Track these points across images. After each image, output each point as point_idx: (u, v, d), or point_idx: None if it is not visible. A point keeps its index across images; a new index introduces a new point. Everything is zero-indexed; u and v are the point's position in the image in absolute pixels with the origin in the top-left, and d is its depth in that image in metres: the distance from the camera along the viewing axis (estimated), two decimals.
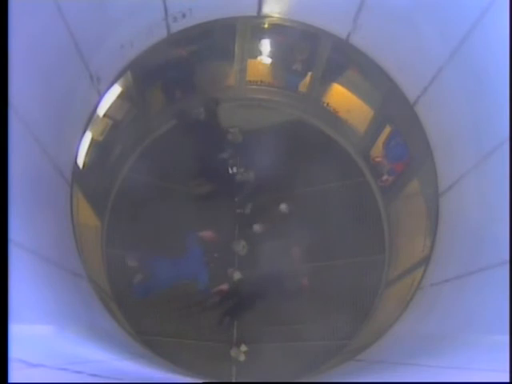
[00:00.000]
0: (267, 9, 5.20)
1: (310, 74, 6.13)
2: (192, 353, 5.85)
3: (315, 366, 5.55)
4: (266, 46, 6.03)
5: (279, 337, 5.99)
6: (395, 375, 3.41)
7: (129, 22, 4.49)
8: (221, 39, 5.72)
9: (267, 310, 6.04)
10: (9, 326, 2.03)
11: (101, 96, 4.93)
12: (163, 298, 5.98)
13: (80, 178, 4.76)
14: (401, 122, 5.45)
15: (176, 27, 5.08)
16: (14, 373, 1.82)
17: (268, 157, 6.06)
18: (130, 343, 4.92)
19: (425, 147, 4.90)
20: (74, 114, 4.52)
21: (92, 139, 5.10)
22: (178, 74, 6.02)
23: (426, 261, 4.85)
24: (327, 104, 6.34)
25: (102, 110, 5.15)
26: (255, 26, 5.58)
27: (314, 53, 5.73)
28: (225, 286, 6.16)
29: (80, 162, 4.85)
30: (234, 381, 5.89)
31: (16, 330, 2.10)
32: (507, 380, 2.07)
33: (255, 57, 6.14)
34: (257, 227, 6.34)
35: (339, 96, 6.14)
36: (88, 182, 5.08)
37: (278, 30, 5.58)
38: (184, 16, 4.96)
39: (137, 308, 5.80)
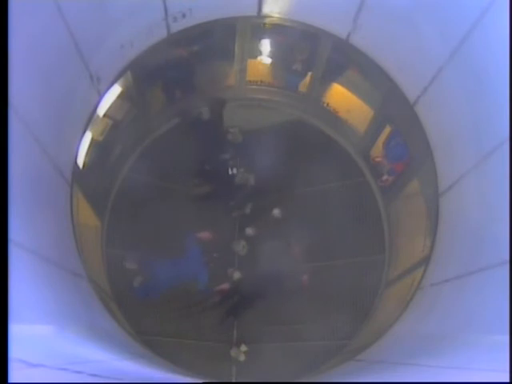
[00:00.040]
0: (267, 9, 5.20)
1: (310, 74, 6.13)
2: (192, 353, 5.84)
3: (315, 366, 5.55)
4: (266, 46, 6.03)
5: (279, 337, 5.99)
6: (395, 375, 3.41)
7: (129, 21, 4.49)
8: (221, 39, 5.72)
9: (267, 310, 6.03)
10: (9, 326, 2.03)
11: (101, 96, 4.93)
12: (163, 298, 5.98)
13: (80, 178, 4.76)
14: (401, 122, 5.45)
15: (176, 27, 5.08)
16: (14, 373, 1.82)
17: (268, 157, 6.06)
18: (130, 343, 4.92)
19: (425, 147, 4.89)
20: (73, 114, 4.52)
21: (92, 139, 5.10)
22: (178, 74, 6.02)
23: (425, 261, 4.85)
24: (327, 104, 6.34)
25: (102, 110, 5.15)
26: (255, 26, 5.58)
27: (314, 53, 5.73)
28: (226, 286, 6.16)
29: (80, 162, 4.85)
30: (234, 381, 5.89)
31: (16, 330, 2.10)
32: (507, 380, 2.07)
33: (255, 57, 6.13)
34: (249, 230, 6.34)
35: (339, 96, 6.14)
36: (88, 182, 5.08)
37: (277, 30, 5.58)
38: (184, 16, 4.96)
39: (137, 308, 5.80)
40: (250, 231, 6.37)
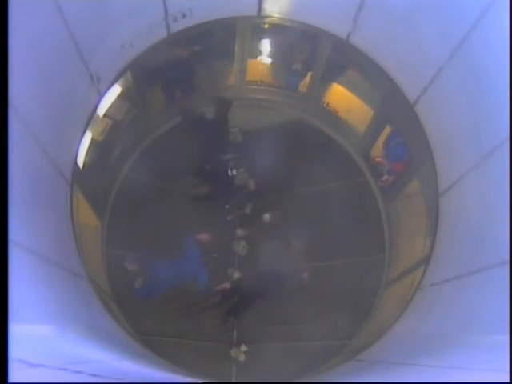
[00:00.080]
0: (267, 9, 5.20)
1: (310, 74, 6.13)
2: (192, 353, 5.84)
3: (315, 366, 5.55)
4: (266, 46, 6.03)
5: (279, 337, 5.99)
6: (395, 375, 3.41)
7: (129, 21, 4.48)
8: (221, 39, 5.72)
9: (267, 310, 6.03)
10: (9, 326, 2.03)
11: (101, 96, 4.93)
12: (163, 298, 5.98)
13: (80, 178, 4.76)
14: (401, 121, 5.45)
15: (176, 27, 5.08)
16: (14, 373, 1.82)
17: (268, 157, 6.06)
18: (130, 343, 4.92)
19: (425, 147, 4.89)
20: (74, 114, 4.52)
21: (92, 139, 5.10)
22: (178, 74, 6.02)
23: (426, 261, 4.85)
24: (327, 104, 6.33)
25: (102, 110, 5.14)
26: (255, 26, 5.58)
27: (314, 53, 5.73)
28: (226, 285, 6.16)
29: (80, 161, 4.85)
30: (234, 381, 5.89)
31: (16, 330, 2.10)
32: (507, 380, 2.07)
33: (255, 57, 6.13)
34: (249, 230, 6.34)
35: (339, 96, 6.14)
36: (88, 182, 5.08)
37: (278, 30, 5.58)
38: (184, 16, 4.96)
39: (137, 308, 5.80)
40: (250, 231, 6.38)
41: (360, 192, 6.34)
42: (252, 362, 5.91)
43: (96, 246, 5.61)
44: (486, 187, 3.77)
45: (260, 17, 5.34)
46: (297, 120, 6.62)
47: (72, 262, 4.33)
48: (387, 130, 5.76)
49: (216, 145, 6.32)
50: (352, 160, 6.45)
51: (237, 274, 6.18)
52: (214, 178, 6.50)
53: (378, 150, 6.06)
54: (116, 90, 5.22)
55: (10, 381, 1.76)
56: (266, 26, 5.55)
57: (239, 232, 6.38)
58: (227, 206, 6.45)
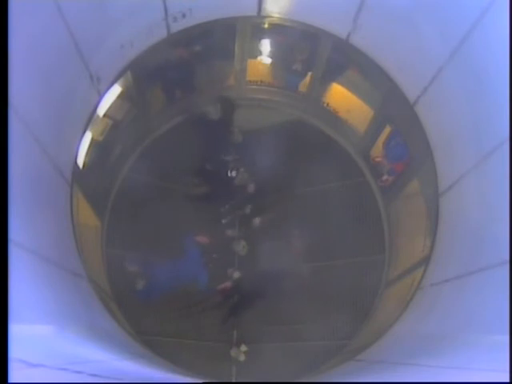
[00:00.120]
0: (267, 9, 5.20)
1: (310, 74, 6.13)
2: (192, 353, 5.84)
3: (315, 366, 5.55)
4: (266, 46, 6.02)
5: (279, 337, 5.99)
6: (395, 375, 3.41)
7: (129, 21, 4.49)
8: (221, 39, 5.72)
9: (267, 310, 6.03)
10: (9, 326, 2.03)
11: (101, 96, 4.93)
12: (163, 299, 5.97)
13: (80, 178, 4.76)
14: (401, 122, 5.45)
15: (176, 27, 5.08)
16: (14, 373, 1.82)
17: (268, 157, 6.06)
18: (130, 343, 4.92)
19: (425, 147, 4.89)
20: (74, 114, 4.52)
21: (92, 139, 5.10)
22: (178, 74, 6.02)
23: (426, 261, 4.85)
24: (327, 104, 6.33)
25: (102, 110, 5.14)
26: (255, 26, 5.58)
27: (314, 53, 5.73)
28: (228, 284, 6.17)
29: (80, 162, 4.85)
30: (234, 381, 5.89)
31: (16, 330, 2.10)
32: (507, 380, 2.07)
33: (255, 57, 6.13)
34: (249, 230, 6.34)
35: (339, 96, 6.14)
36: (88, 182, 5.08)
37: (278, 30, 5.58)
38: (184, 16, 4.96)
39: (137, 308, 5.79)
40: (249, 231, 6.37)
41: (360, 192, 6.34)
42: (252, 362, 5.91)
43: (96, 246, 5.61)
44: (486, 187, 3.77)
45: (260, 17, 5.34)
46: (297, 120, 6.62)
47: (72, 262, 4.33)
48: (387, 130, 5.76)
49: (218, 145, 6.32)
50: (352, 160, 6.45)
51: (237, 274, 6.19)
52: (213, 178, 6.50)
53: (377, 150, 6.06)
54: (116, 90, 5.22)
55: (10, 381, 1.76)
56: (266, 25, 5.55)
57: (238, 232, 6.38)
58: (225, 208, 6.45)
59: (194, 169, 6.47)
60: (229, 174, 6.46)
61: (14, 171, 2.78)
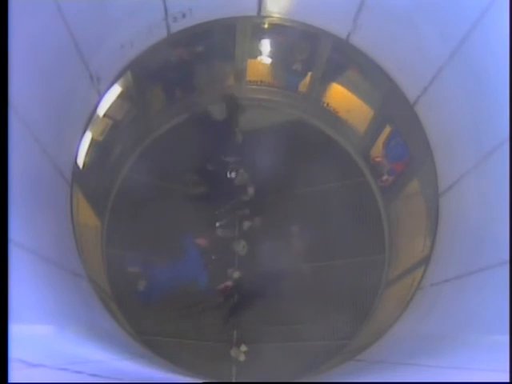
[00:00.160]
0: (267, 9, 5.20)
1: (310, 74, 6.13)
2: (192, 353, 5.85)
3: (315, 366, 5.55)
4: (266, 46, 6.03)
5: (279, 337, 5.99)
6: (395, 375, 3.41)
7: (129, 21, 4.49)
8: (221, 39, 5.72)
9: (267, 310, 6.04)
10: (9, 326, 2.03)
11: (101, 96, 4.93)
12: (164, 299, 5.98)
13: (80, 178, 4.76)
14: (401, 122, 5.45)
15: (176, 27, 5.08)
16: (14, 373, 1.82)
17: (268, 157, 6.06)
18: (130, 343, 4.92)
19: (425, 147, 4.89)
20: (74, 114, 4.52)
21: (92, 139, 5.10)
22: (178, 74, 6.03)
23: (425, 261, 4.85)
24: (327, 104, 6.34)
25: (102, 110, 5.15)
26: (255, 26, 5.58)
27: (314, 53, 5.73)
28: (229, 283, 6.17)
29: (80, 162, 4.85)
30: (234, 381, 5.89)
31: (16, 330, 2.10)
32: (507, 380, 2.07)
33: (255, 57, 6.14)
34: (249, 230, 6.34)
35: (339, 96, 6.14)
36: (88, 182, 5.08)
37: (278, 30, 5.58)
38: (184, 16, 4.96)
39: (137, 308, 5.80)
40: (249, 231, 6.38)
41: (360, 192, 6.34)
42: (252, 362, 5.91)
43: (96, 246, 5.61)
44: (486, 187, 3.77)
45: (260, 17, 5.34)
46: (297, 120, 6.63)
47: (72, 262, 4.33)
48: (387, 130, 5.76)
49: (219, 145, 6.32)
50: (352, 160, 6.45)
51: (237, 274, 6.19)
52: (212, 178, 6.50)
53: (377, 150, 6.06)
54: (116, 90, 5.22)
55: (10, 381, 1.76)
56: (266, 25, 5.55)
57: (238, 232, 6.38)
58: (224, 208, 6.45)
59: (194, 168, 6.47)
60: (228, 175, 6.46)
61: (14, 171, 2.78)
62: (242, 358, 5.97)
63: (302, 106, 6.54)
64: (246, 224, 6.45)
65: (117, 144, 5.90)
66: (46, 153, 3.78)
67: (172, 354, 5.51)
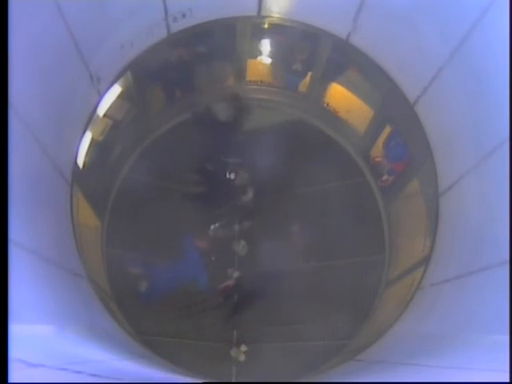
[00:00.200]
0: (267, 9, 5.20)
1: (310, 74, 6.13)
2: (192, 353, 5.84)
3: (315, 366, 5.55)
4: (266, 45, 6.03)
5: (279, 337, 5.99)
6: (395, 375, 3.41)
7: (129, 21, 4.49)
8: (221, 39, 5.72)
9: (267, 310, 6.03)
10: (9, 326, 2.03)
11: (101, 96, 4.93)
12: (164, 299, 5.98)
13: (80, 178, 4.76)
14: (401, 122, 5.45)
15: (176, 27, 5.08)
16: (14, 373, 1.82)
17: (268, 157, 6.06)
18: (130, 343, 4.92)
19: (425, 147, 4.89)
20: (74, 114, 4.52)
21: (92, 139, 5.10)
22: (178, 74, 6.02)
23: (425, 261, 4.85)
24: (327, 104, 6.33)
25: (102, 110, 5.15)
26: (255, 26, 5.58)
27: (314, 53, 5.73)
28: (230, 282, 6.17)
29: (80, 162, 4.85)
30: (234, 381, 5.89)
31: (16, 330, 2.10)
32: (507, 380, 2.07)
33: (255, 57, 6.13)
34: (249, 230, 6.34)
35: (339, 96, 6.14)
36: (88, 182, 5.08)
37: (278, 30, 5.58)
38: (184, 16, 4.96)
39: (137, 308, 5.80)
40: (249, 231, 6.38)
41: (360, 192, 6.34)
42: (252, 362, 5.91)
43: (96, 246, 5.61)
44: (486, 187, 3.77)
45: (260, 17, 5.34)
46: (297, 120, 6.62)
47: (72, 262, 4.33)
48: (387, 130, 5.76)
49: (220, 146, 6.31)
50: (352, 160, 6.45)
51: (237, 274, 6.19)
52: (212, 178, 6.49)
53: (377, 150, 6.06)
54: (116, 90, 5.22)
55: (10, 381, 1.76)
56: (266, 26, 5.55)
57: (238, 232, 6.37)
58: (223, 209, 6.44)
59: (194, 168, 6.47)
60: (228, 176, 6.45)
61: (14, 171, 2.78)
62: (242, 358, 5.97)
63: (302, 105, 6.53)
64: (246, 224, 6.45)
65: (117, 144, 5.90)
66: (45, 153, 3.78)
67: (172, 354, 5.50)
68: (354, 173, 6.41)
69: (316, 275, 6.16)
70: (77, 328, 3.54)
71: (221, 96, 6.38)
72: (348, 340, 5.86)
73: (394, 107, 5.35)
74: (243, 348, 5.98)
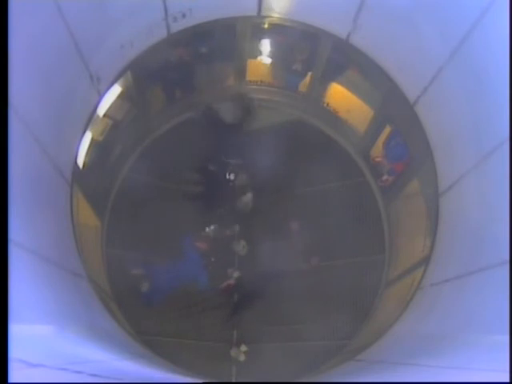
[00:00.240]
0: (267, 9, 5.20)
1: (310, 74, 6.13)
2: (192, 353, 5.84)
3: (315, 366, 5.55)
4: (266, 46, 6.03)
5: (279, 337, 5.99)
6: (395, 375, 3.41)
7: (129, 21, 4.49)
8: (221, 39, 5.72)
9: (267, 310, 6.04)
10: (9, 326, 2.03)
11: (101, 96, 4.93)
12: (164, 299, 5.98)
13: (80, 178, 4.76)
14: (401, 121, 5.45)
15: (176, 27, 5.08)
16: (14, 373, 1.82)
17: (268, 157, 6.06)
18: (130, 343, 4.92)
19: (425, 147, 4.90)
20: (74, 114, 4.52)
21: (92, 139, 5.10)
22: (177, 74, 6.03)
23: (425, 261, 4.85)
24: (327, 104, 6.34)
25: (102, 110, 5.15)
26: (255, 26, 5.58)
27: (314, 53, 5.73)
28: (231, 281, 6.17)
29: (80, 162, 4.85)
30: (234, 381, 5.89)
31: (16, 330, 2.10)
32: (507, 380, 2.07)
33: (255, 57, 6.14)
34: (249, 231, 6.33)
35: (339, 96, 6.14)
36: (88, 182, 5.08)
37: (278, 30, 5.59)
38: (184, 16, 4.96)
39: (137, 308, 5.80)
40: (249, 231, 6.38)
41: (360, 192, 6.34)
42: (252, 362, 5.91)
43: (96, 246, 5.61)
44: (486, 187, 3.77)
45: (260, 17, 5.34)
46: (297, 120, 6.63)
47: (72, 262, 4.33)
48: (387, 130, 5.76)
49: (220, 146, 6.31)
50: (352, 160, 6.45)
51: (237, 274, 6.19)
52: (212, 178, 6.49)
53: (377, 150, 6.06)
54: (116, 90, 5.22)
55: (10, 381, 1.76)
56: (266, 26, 5.55)
57: (238, 232, 6.38)
58: (222, 210, 6.44)
59: (194, 168, 6.47)
60: (227, 176, 6.46)
61: (14, 171, 2.78)
62: (242, 358, 5.97)
63: (302, 105, 6.54)
64: (246, 224, 6.45)
65: (117, 144, 5.90)
66: (45, 153, 3.78)
67: (172, 354, 5.51)
68: (354, 173, 6.42)
69: (316, 275, 6.16)
70: (77, 328, 3.54)
71: (225, 96, 6.38)
72: (348, 340, 5.86)
73: (394, 107, 5.35)
74: (243, 348, 5.98)
